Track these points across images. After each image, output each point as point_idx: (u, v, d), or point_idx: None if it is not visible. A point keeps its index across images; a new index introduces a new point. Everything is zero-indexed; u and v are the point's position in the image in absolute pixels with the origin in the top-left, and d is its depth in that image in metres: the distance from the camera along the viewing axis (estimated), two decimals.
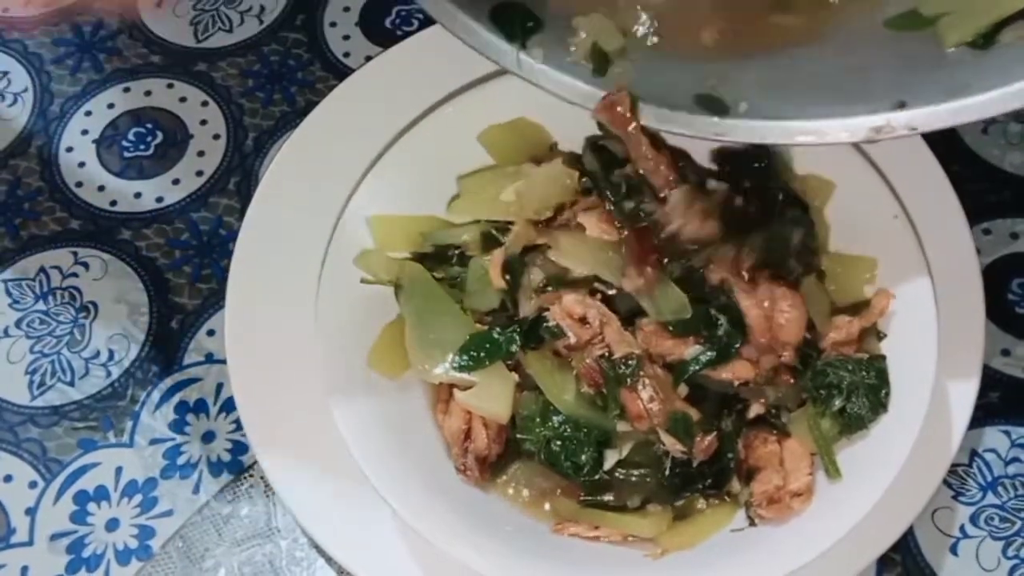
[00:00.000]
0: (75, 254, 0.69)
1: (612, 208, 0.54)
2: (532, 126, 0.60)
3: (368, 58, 0.73)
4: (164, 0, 0.76)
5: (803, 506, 0.52)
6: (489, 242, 0.57)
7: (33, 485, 0.61)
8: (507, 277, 0.54)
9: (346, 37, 0.76)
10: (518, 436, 0.54)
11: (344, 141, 0.61)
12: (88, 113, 0.74)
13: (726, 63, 0.49)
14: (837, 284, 0.56)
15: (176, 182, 0.71)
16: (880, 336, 0.54)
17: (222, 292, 0.60)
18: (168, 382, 0.64)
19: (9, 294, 0.67)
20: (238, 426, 0.61)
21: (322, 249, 0.57)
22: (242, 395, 0.57)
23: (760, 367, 0.53)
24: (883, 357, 0.53)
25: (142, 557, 0.59)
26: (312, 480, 0.55)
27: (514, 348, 0.53)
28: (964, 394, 0.53)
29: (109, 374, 0.64)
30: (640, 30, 0.49)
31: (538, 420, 0.53)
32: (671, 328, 0.53)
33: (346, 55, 0.75)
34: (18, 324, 0.66)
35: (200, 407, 0.63)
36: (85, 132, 0.73)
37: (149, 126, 0.73)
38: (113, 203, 0.70)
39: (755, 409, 0.54)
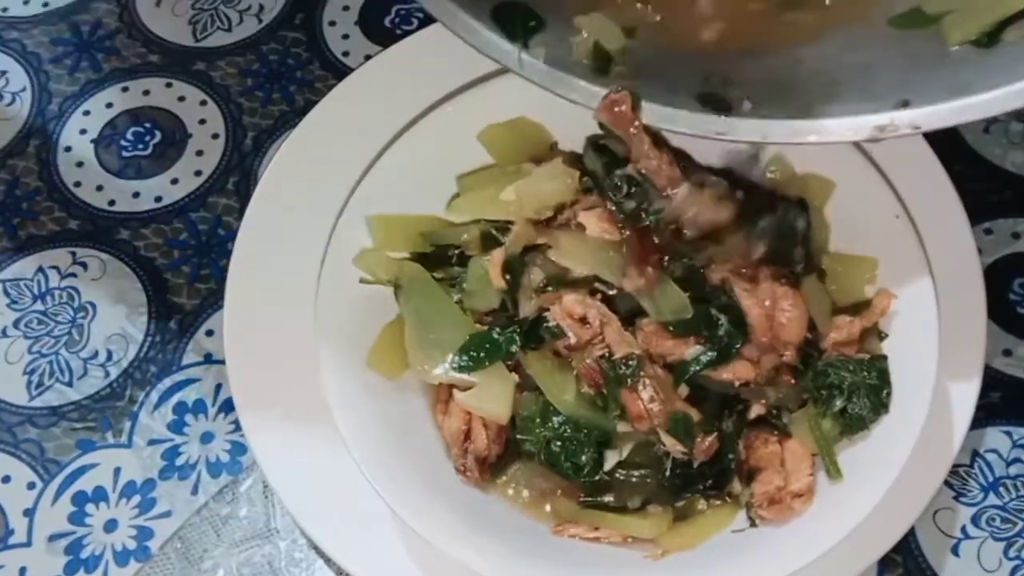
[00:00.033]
0: (73, 254, 0.68)
1: (614, 208, 0.53)
2: (532, 125, 0.60)
3: (367, 57, 0.73)
4: None
5: (804, 507, 0.51)
6: (489, 242, 0.56)
7: (31, 486, 0.61)
8: (507, 277, 0.54)
9: (345, 36, 0.76)
10: (518, 437, 0.54)
11: (343, 140, 0.61)
12: (86, 112, 0.74)
13: (729, 62, 0.48)
14: (838, 284, 0.56)
15: (175, 182, 0.71)
16: (881, 336, 0.54)
17: (221, 292, 0.60)
18: (167, 382, 0.64)
19: (7, 294, 0.67)
20: (237, 427, 0.61)
21: (321, 249, 0.57)
22: (241, 396, 0.57)
23: (761, 367, 0.53)
24: (884, 357, 0.53)
25: (140, 558, 0.59)
26: (311, 481, 0.54)
27: (514, 348, 0.53)
28: (965, 394, 0.53)
29: (107, 374, 0.64)
30: (642, 29, 0.49)
31: (538, 421, 0.53)
32: (672, 328, 0.53)
33: (345, 54, 0.75)
34: (16, 324, 0.66)
35: (199, 408, 0.63)
36: (83, 131, 0.73)
37: (147, 125, 0.73)
38: (111, 203, 0.70)
39: (756, 409, 0.54)
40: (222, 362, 0.62)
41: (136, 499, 0.60)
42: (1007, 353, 0.62)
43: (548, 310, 0.53)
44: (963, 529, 0.57)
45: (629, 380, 0.51)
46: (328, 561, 0.57)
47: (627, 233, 0.54)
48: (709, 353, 0.52)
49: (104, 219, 0.70)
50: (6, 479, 0.61)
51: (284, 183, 0.62)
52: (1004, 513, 0.57)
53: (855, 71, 0.46)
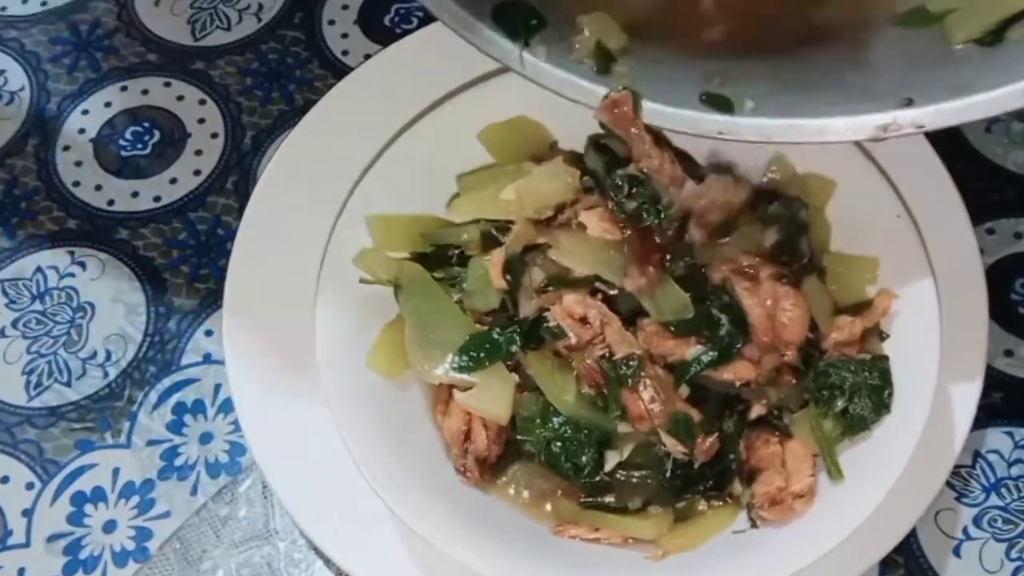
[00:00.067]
0: (72, 254, 0.68)
1: (615, 208, 0.53)
2: (532, 124, 0.60)
3: (367, 56, 0.73)
4: None
5: (805, 507, 0.51)
6: (489, 241, 0.56)
7: (30, 486, 0.61)
8: (507, 277, 0.54)
9: (344, 35, 0.76)
10: (518, 437, 0.54)
11: (343, 140, 0.61)
12: (85, 112, 0.74)
13: (731, 61, 0.48)
14: (839, 284, 0.56)
15: (174, 181, 0.71)
16: (882, 336, 0.54)
17: (220, 292, 0.60)
18: (166, 383, 0.64)
19: (6, 294, 0.67)
20: (236, 427, 0.61)
21: (321, 249, 0.57)
22: (240, 396, 0.56)
23: (762, 367, 0.53)
24: (886, 357, 0.53)
25: (139, 559, 0.59)
26: (311, 481, 0.54)
27: (514, 348, 0.53)
28: (967, 395, 0.53)
29: (106, 375, 0.64)
30: (644, 28, 0.49)
31: (538, 421, 0.53)
32: (672, 328, 0.52)
33: (345, 53, 0.75)
34: (15, 324, 0.66)
35: (198, 408, 0.63)
36: (82, 131, 0.73)
37: (146, 125, 0.73)
38: (110, 202, 0.70)
39: (757, 410, 0.53)
40: (221, 362, 0.62)
41: (135, 500, 0.60)
42: (1009, 353, 0.61)
43: (548, 310, 0.53)
44: (965, 530, 0.57)
45: (630, 380, 0.51)
46: (327, 562, 0.57)
47: (628, 233, 0.54)
48: (710, 353, 0.52)
49: (103, 219, 0.69)
50: (5, 479, 0.61)
51: (283, 182, 0.62)
52: (1006, 514, 0.57)
53: (858, 70, 0.46)
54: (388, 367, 0.55)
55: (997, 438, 0.59)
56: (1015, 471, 0.58)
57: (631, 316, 0.53)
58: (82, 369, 0.64)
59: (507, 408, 0.53)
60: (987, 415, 0.59)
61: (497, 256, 0.54)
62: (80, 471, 0.61)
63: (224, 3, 0.78)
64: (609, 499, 0.54)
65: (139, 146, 0.72)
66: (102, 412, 0.63)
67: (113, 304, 0.66)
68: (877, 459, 0.51)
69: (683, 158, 0.57)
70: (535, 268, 0.55)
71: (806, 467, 0.52)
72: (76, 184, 0.71)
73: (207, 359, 0.64)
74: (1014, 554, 0.56)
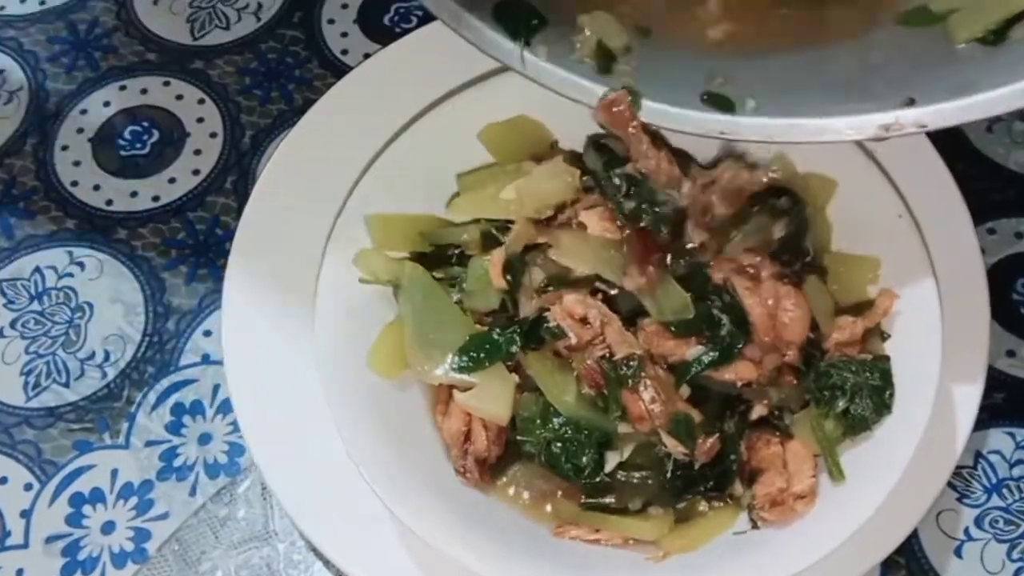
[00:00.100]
0: (70, 254, 0.68)
1: (614, 207, 0.53)
2: (532, 124, 0.60)
3: (366, 55, 0.73)
4: None
5: (806, 508, 0.51)
6: (489, 241, 0.56)
7: (28, 487, 0.61)
8: (507, 277, 0.54)
9: (344, 34, 0.76)
10: (518, 438, 0.53)
11: (342, 139, 0.61)
12: (83, 111, 0.74)
13: (733, 61, 0.48)
14: (840, 284, 0.56)
15: (172, 181, 0.71)
16: (884, 337, 0.54)
17: (219, 292, 0.60)
18: (164, 383, 0.63)
19: (4, 294, 0.67)
20: (235, 428, 0.61)
21: (320, 248, 0.57)
22: (239, 396, 0.56)
23: (763, 367, 0.53)
24: (887, 358, 0.53)
25: (138, 560, 0.58)
26: (310, 482, 0.54)
27: (514, 349, 0.53)
28: (968, 395, 0.53)
29: (105, 375, 0.64)
30: (647, 28, 0.49)
31: (538, 422, 0.53)
32: (673, 328, 0.52)
33: (344, 52, 0.75)
34: (13, 324, 0.66)
35: (196, 409, 0.63)
36: (80, 131, 0.73)
37: (145, 124, 0.73)
38: (109, 202, 0.70)
39: (758, 410, 0.53)
40: (220, 363, 0.61)
41: (133, 500, 0.60)
42: (1010, 354, 0.61)
43: (548, 310, 0.53)
44: (966, 531, 0.57)
45: (630, 381, 0.51)
46: (327, 563, 0.57)
47: (627, 232, 0.53)
48: (711, 353, 0.52)
49: (101, 218, 0.69)
50: (3, 480, 0.61)
51: (283, 182, 0.62)
52: (1007, 515, 0.57)
53: (860, 70, 0.46)
54: (388, 367, 0.55)
55: (999, 439, 0.59)
56: (1017, 472, 0.58)
57: (631, 316, 0.53)
58: (80, 369, 0.64)
59: (507, 408, 0.53)
60: (989, 416, 0.59)
61: (497, 256, 0.54)
62: (78, 472, 0.61)
63: (223, 2, 0.78)
64: (609, 500, 0.53)
65: (138, 146, 0.72)
66: (101, 413, 0.63)
67: (112, 304, 0.66)
68: (878, 460, 0.50)
69: (682, 157, 0.56)
70: (535, 268, 0.55)
71: (807, 468, 0.52)
72: (75, 184, 0.71)
73: (206, 359, 0.64)
74: (1015, 555, 0.56)
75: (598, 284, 0.54)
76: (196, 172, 0.71)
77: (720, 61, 0.49)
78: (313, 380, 0.54)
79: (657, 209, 0.52)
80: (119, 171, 0.71)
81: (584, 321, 0.52)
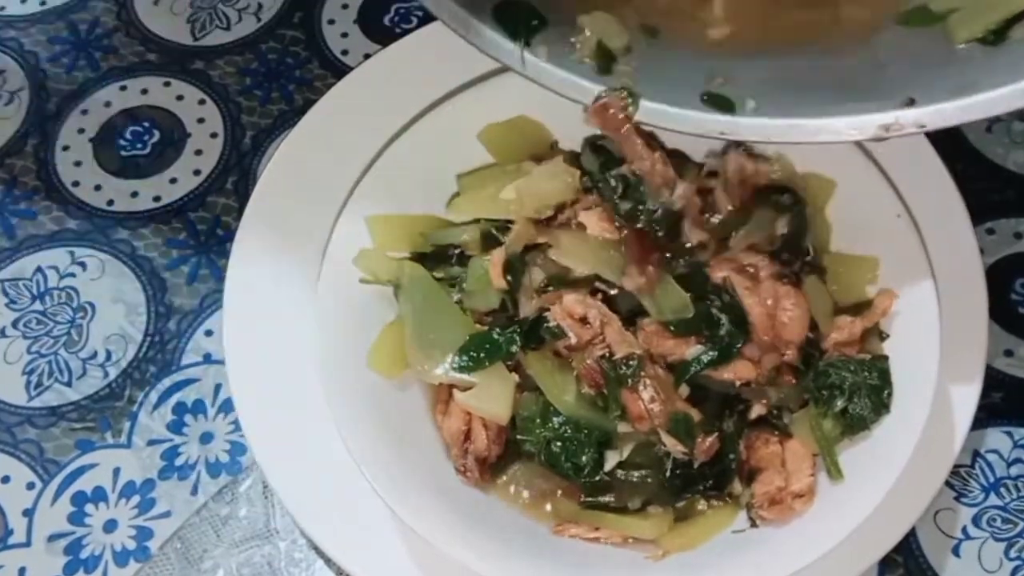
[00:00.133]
0: (72, 254, 0.68)
1: (615, 207, 0.53)
2: (532, 124, 0.60)
3: (367, 56, 0.73)
4: None
5: (805, 507, 0.51)
6: (489, 241, 0.56)
7: (31, 486, 0.61)
8: (507, 277, 0.54)
9: (344, 35, 0.76)
10: (518, 437, 0.54)
11: (342, 140, 0.61)
12: (84, 112, 0.74)
13: (733, 61, 0.48)
14: (839, 284, 0.56)
15: (173, 181, 0.71)
16: (882, 336, 0.54)
17: (220, 292, 0.60)
18: (166, 383, 0.64)
19: (6, 294, 0.67)
20: (236, 427, 0.61)
21: (320, 249, 0.57)
22: (240, 396, 0.56)
23: (762, 367, 0.53)
24: (885, 357, 0.53)
25: (140, 558, 0.59)
26: (311, 481, 0.54)
27: (514, 348, 0.53)
28: (967, 395, 0.53)
29: (107, 375, 0.64)
30: (647, 28, 0.49)
31: (538, 421, 0.53)
32: (672, 328, 0.52)
33: (344, 53, 0.75)
34: (15, 324, 0.66)
35: (198, 408, 0.63)
36: (81, 131, 0.73)
37: (146, 125, 0.73)
38: (110, 202, 0.70)
39: (757, 410, 0.53)
40: (221, 362, 0.62)
41: (135, 499, 0.60)
42: (1008, 353, 0.61)
43: (548, 310, 0.53)
44: (964, 530, 0.57)
45: (630, 380, 0.51)
46: (328, 561, 0.57)
47: (625, 232, 0.53)
48: (710, 353, 0.52)
49: (102, 218, 0.69)
50: (5, 479, 0.61)
51: (283, 182, 0.62)
52: (1005, 513, 0.57)
53: (860, 70, 0.46)
54: (388, 367, 0.55)
55: (996, 438, 0.59)
56: (1014, 471, 0.58)
57: (631, 316, 0.53)
58: (82, 369, 0.64)
59: (507, 408, 0.53)
60: (987, 415, 0.59)
61: (497, 256, 0.54)
62: (81, 471, 0.61)
63: (223, 3, 0.78)
64: (609, 499, 0.54)
65: (139, 146, 0.72)
66: (102, 412, 0.63)
67: (113, 304, 0.66)
68: (877, 459, 0.51)
69: (678, 158, 0.57)
70: (535, 268, 0.55)
71: (806, 467, 0.52)
72: (76, 184, 0.71)
73: (207, 359, 0.64)
74: (1013, 553, 0.56)
75: (598, 284, 0.54)
76: (197, 172, 0.71)
77: (720, 61, 0.49)
78: (314, 380, 0.54)
79: (652, 210, 0.52)
80: (120, 171, 0.71)
81: (584, 321, 0.52)
